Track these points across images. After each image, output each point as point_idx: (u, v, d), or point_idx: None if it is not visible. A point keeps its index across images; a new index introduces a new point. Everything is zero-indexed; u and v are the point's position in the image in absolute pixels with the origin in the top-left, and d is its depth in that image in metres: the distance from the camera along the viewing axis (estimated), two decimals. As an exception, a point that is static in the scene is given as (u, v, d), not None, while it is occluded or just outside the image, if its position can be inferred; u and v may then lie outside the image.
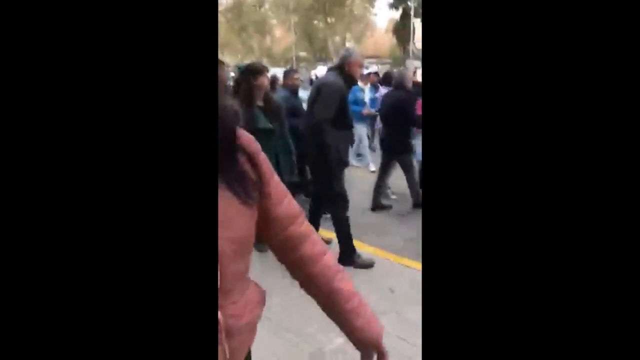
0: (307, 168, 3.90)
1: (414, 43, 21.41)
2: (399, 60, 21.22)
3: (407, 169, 4.42)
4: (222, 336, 0.82)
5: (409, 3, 20.72)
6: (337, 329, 0.95)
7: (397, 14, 23.36)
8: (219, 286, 0.83)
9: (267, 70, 3.71)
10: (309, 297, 0.96)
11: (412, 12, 19.80)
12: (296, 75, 5.19)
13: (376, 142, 6.84)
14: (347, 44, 35.09)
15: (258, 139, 0.92)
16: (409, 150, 4.44)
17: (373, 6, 27.35)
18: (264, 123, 3.10)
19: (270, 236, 0.92)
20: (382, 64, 20.78)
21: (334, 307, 0.93)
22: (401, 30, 22.56)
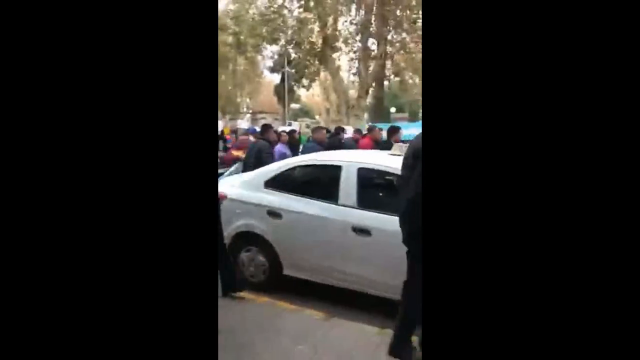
0: None
1: (288, 104, 25.34)
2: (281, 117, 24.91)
3: None
4: None
5: (287, 68, 24.54)
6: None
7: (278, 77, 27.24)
8: None
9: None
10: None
11: (285, 76, 23.48)
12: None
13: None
14: (239, 99, 38.28)
15: None
16: None
17: (256, 72, 30.84)
18: None
19: None
20: (275, 119, 23.99)
21: None
22: (281, 91, 26.39)
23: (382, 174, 3.69)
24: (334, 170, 3.72)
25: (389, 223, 3.30)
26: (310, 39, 12.32)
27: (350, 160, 3.77)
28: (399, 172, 3.42)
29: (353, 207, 3.52)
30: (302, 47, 12.68)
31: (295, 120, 23.24)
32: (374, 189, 3.74)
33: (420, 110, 27.40)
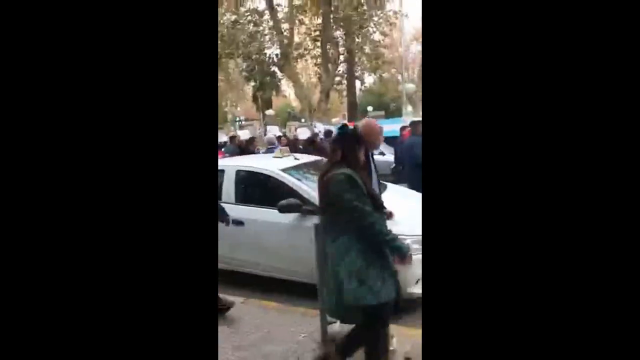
0: None
1: (263, 110, 26.42)
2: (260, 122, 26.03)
3: None
4: None
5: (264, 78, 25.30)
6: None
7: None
8: None
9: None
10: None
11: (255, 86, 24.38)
12: None
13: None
14: (226, 109, 39.32)
15: None
16: None
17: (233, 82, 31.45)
18: None
19: None
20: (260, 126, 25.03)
21: None
22: (256, 99, 27.39)
23: (255, 174, 4.47)
24: (220, 174, 4.50)
25: (258, 214, 4.08)
26: (263, 51, 13.13)
27: (230, 165, 4.56)
28: (270, 173, 4.18)
29: (231, 203, 4.30)
30: (254, 59, 13.50)
31: (275, 124, 24.08)
32: (248, 187, 4.52)
33: (392, 105, 28.19)
